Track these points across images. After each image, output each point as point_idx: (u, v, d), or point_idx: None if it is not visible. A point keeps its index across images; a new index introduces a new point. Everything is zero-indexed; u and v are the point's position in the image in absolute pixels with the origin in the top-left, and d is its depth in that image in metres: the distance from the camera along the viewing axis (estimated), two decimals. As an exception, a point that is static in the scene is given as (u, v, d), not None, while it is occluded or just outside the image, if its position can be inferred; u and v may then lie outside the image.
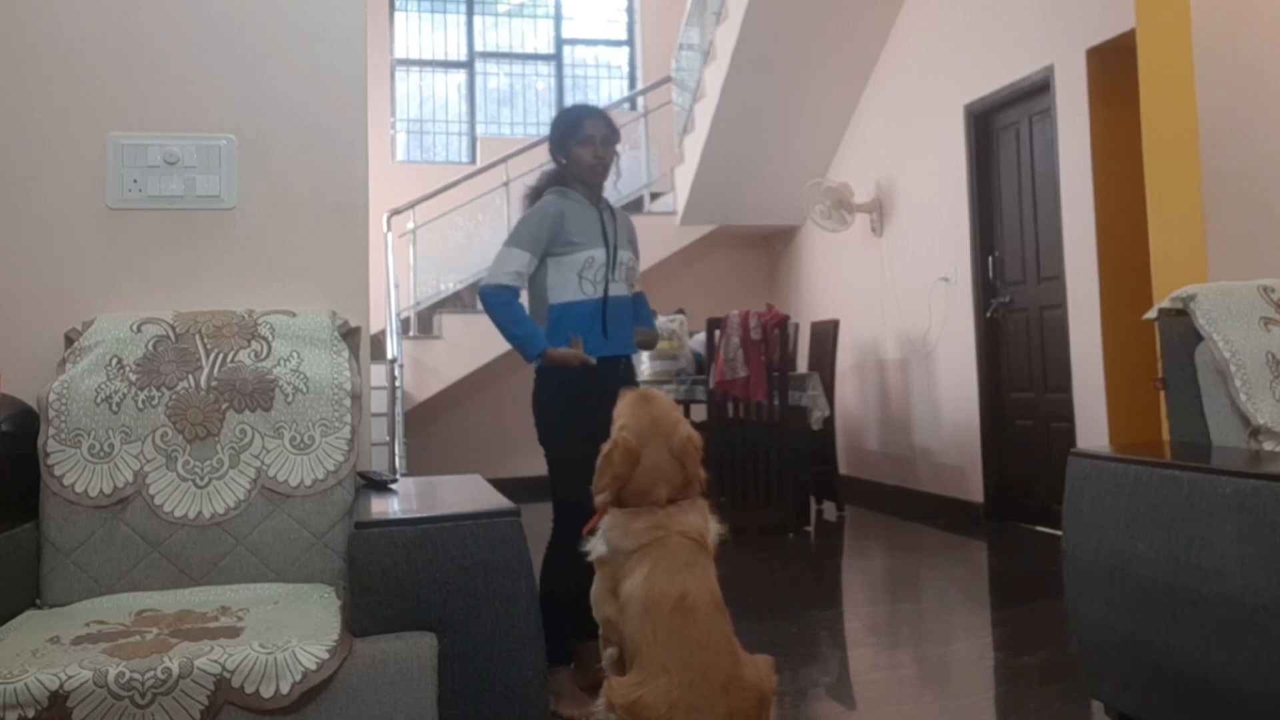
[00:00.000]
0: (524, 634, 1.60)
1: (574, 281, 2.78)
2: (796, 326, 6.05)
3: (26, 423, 1.88)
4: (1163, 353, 2.47)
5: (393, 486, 2.04)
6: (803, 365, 6.64)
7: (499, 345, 6.90)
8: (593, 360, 2.72)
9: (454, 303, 7.58)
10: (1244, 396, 2.21)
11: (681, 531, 2.00)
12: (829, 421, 5.79)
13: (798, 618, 3.64)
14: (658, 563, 1.96)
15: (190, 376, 1.93)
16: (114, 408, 1.88)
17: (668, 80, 7.78)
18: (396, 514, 1.75)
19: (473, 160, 8.21)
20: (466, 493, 1.91)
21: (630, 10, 8.80)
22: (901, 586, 4.18)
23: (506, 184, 7.25)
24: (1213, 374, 2.29)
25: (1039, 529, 5.09)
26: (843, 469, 6.67)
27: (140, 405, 1.89)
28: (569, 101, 8.63)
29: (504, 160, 7.24)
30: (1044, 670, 2.90)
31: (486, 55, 8.57)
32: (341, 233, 2.27)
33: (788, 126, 6.75)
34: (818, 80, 6.49)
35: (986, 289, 5.48)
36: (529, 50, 8.67)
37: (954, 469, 5.72)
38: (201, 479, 1.87)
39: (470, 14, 8.55)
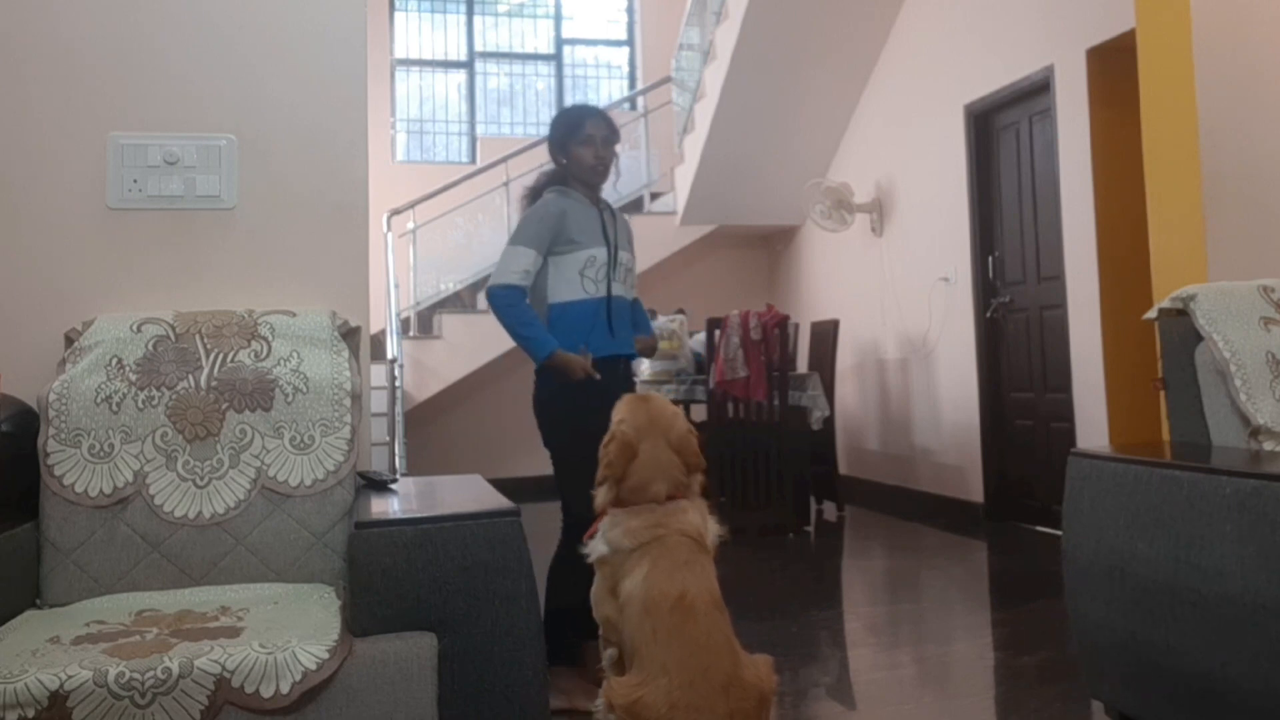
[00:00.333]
0: (524, 634, 1.60)
1: (576, 280, 2.77)
2: (796, 326, 6.06)
3: (26, 423, 1.88)
4: (1163, 353, 2.47)
5: (393, 486, 2.04)
6: (803, 365, 6.64)
7: (499, 345, 6.91)
8: (597, 375, 2.70)
9: (454, 303, 7.58)
10: (1244, 396, 2.21)
11: (681, 530, 2.01)
12: (829, 421, 5.79)
13: (798, 618, 3.64)
14: (657, 562, 1.96)
15: (190, 376, 1.93)
16: (114, 408, 1.88)
17: (668, 80, 7.79)
18: (396, 514, 1.75)
19: (473, 160, 8.21)
20: (466, 493, 1.91)
21: (630, 10, 8.80)
22: (901, 586, 4.18)
23: (506, 184, 7.26)
24: (1213, 374, 2.29)
25: (1039, 529, 5.09)
26: (843, 469, 6.67)
27: (140, 405, 1.89)
28: (569, 102, 8.63)
29: (504, 160, 7.24)
30: (1044, 670, 2.90)
31: (486, 55, 8.57)
32: (341, 233, 2.27)
33: (788, 126, 6.75)
34: (818, 80, 6.49)
35: (986, 289, 5.48)
36: (529, 50, 8.67)
37: (954, 469, 5.72)
38: (201, 479, 1.87)
39: (470, 14, 8.55)
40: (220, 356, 1.96)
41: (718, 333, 5.34)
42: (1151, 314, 2.50)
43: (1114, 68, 4.58)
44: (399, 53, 8.35)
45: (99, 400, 1.88)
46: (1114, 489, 2.11)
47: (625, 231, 2.95)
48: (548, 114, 8.56)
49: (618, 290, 2.83)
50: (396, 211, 6.95)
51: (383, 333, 6.42)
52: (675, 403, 3.09)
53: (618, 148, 2.92)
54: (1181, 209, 3.01)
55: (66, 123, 2.16)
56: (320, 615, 1.60)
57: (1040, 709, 2.58)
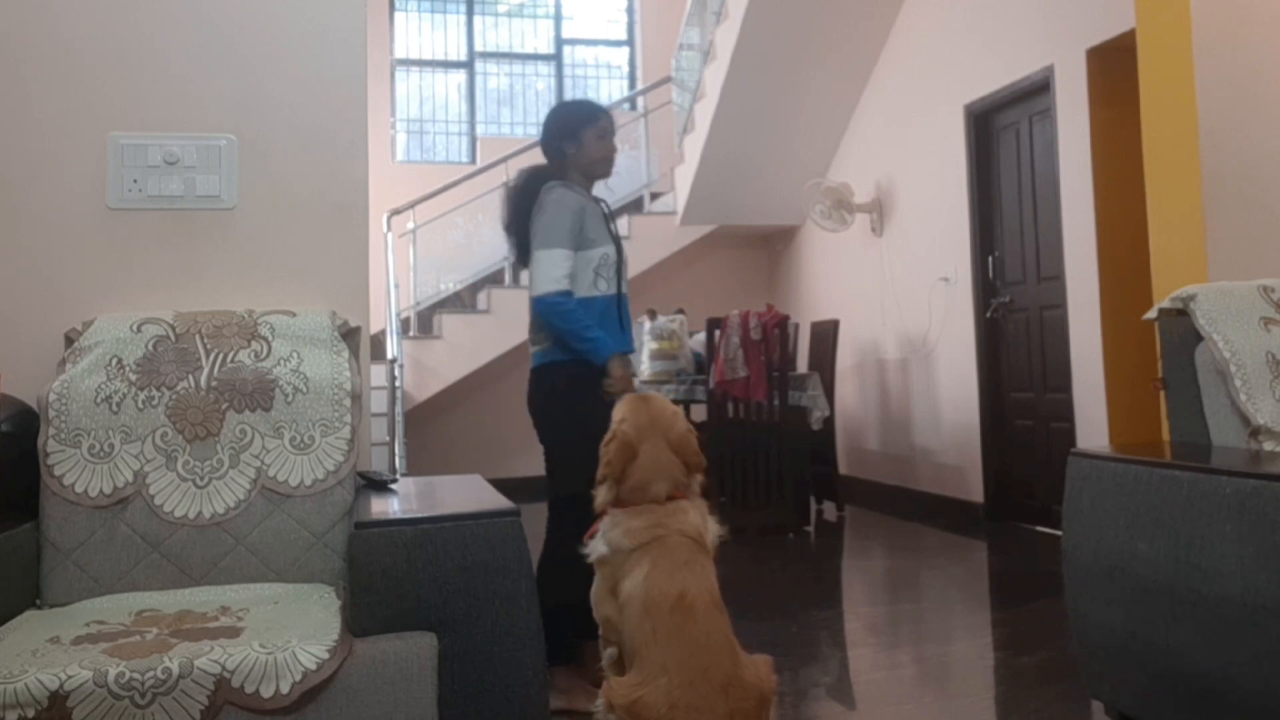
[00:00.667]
0: (524, 634, 1.60)
1: (590, 278, 2.72)
2: (796, 326, 6.06)
3: (26, 423, 1.88)
4: (1163, 353, 2.47)
5: (393, 486, 2.03)
6: (803, 365, 6.64)
7: (499, 345, 6.91)
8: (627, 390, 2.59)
9: (454, 303, 7.59)
10: (1244, 396, 2.21)
11: (680, 530, 2.01)
12: (829, 421, 5.79)
13: (798, 618, 3.64)
14: (657, 562, 1.96)
15: (190, 376, 1.93)
16: (114, 408, 1.88)
17: (668, 80, 7.78)
18: (396, 514, 1.75)
19: (473, 160, 8.21)
20: (466, 493, 1.91)
21: (630, 10, 8.80)
22: (901, 586, 4.18)
23: (506, 184, 7.24)
24: (1213, 374, 2.29)
25: (1039, 529, 5.09)
26: (843, 469, 6.67)
27: (140, 405, 1.89)
28: (569, 101, 8.63)
29: (504, 160, 7.24)
30: (1044, 670, 2.90)
31: (486, 55, 8.57)
32: (341, 233, 2.27)
33: (788, 126, 6.75)
34: (818, 80, 6.49)
35: (986, 289, 5.48)
36: (529, 50, 8.67)
37: (954, 469, 5.72)
38: (201, 479, 1.87)
39: (470, 14, 8.55)
40: (220, 356, 1.96)
41: (718, 333, 5.34)
42: (1151, 314, 2.50)
43: (1114, 68, 4.58)
44: (399, 53, 8.35)
45: (99, 400, 1.88)
46: (1114, 489, 2.11)
47: (617, 228, 2.95)
48: (547, 114, 8.55)
49: (624, 288, 2.83)
50: (396, 211, 6.95)
51: (383, 333, 6.42)
52: (675, 403, 3.09)
53: (591, 131, 2.88)
54: (1181, 209, 3.01)
55: (66, 123, 2.16)
56: (320, 615, 1.60)
57: (1040, 709, 2.58)
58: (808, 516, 5.54)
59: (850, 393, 6.84)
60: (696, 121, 7.07)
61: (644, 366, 5.63)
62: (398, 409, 6.16)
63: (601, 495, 2.12)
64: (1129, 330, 4.53)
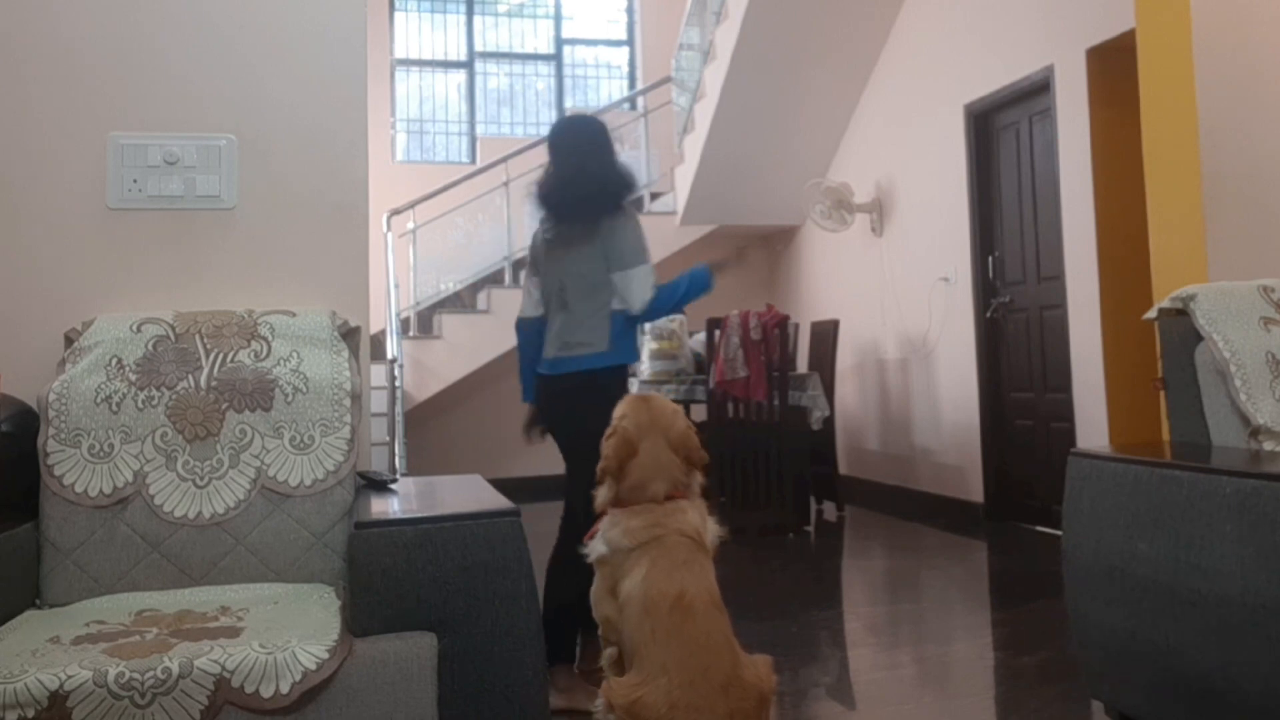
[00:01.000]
0: (524, 634, 1.60)
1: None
2: (796, 326, 6.06)
3: (26, 423, 1.88)
4: (1163, 353, 2.47)
5: (393, 486, 2.03)
6: (803, 365, 6.64)
7: (499, 345, 6.91)
8: None
9: (454, 303, 7.59)
10: (1244, 396, 2.21)
11: (679, 530, 2.01)
12: (829, 421, 5.79)
13: (798, 618, 3.64)
14: (656, 561, 1.96)
15: (190, 376, 1.93)
16: (114, 408, 1.88)
17: (668, 80, 7.78)
18: (396, 514, 1.75)
19: (473, 160, 8.21)
20: (466, 493, 1.91)
21: (630, 10, 8.80)
22: (901, 586, 4.18)
23: (506, 184, 7.26)
24: (1213, 374, 2.29)
25: (1039, 529, 5.09)
26: (843, 469, 6.67)
27: (140, 405, 1.89)
28: (569, 102, 8.64)
29: (504, 160, 7.25)
30: (1044, 670, 2.90)
31: (486, 55, 8.57)
32: (341, 233, 2.27)
33: (788, 126, 6.75)
34: (818, 80, 6.49)
35: (986, 289, 5.48)
36: (529, 50, 8.67)
37: (954, 469, 5.72)
38: (201, 479, 1.87)
39: (470, 14, 8.55)
40: (220, 356, 1.96)
41: (718, 333, 5.34)
42: (1151, 314, 2.50)
43: (1114, 68, 4.58)
44: (399, 53, 8.35)
45: (99, 400, 1.88)
46: (1114, 489, 2.11)
47: None
48: (548, 114, 8.56)
49: None
50: (396, 211, 6.95)
51: (383, 333, 6.42)
52: (675, 403, 3.10)
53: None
54: (1181, 209, 3.01)
55: (66, 123, 2.16)
56: (320, 615, 1.60)
57: (1040, 709, 2.58)
58: (808, 516, 5.54)
59: (850, 393, 6.84)
60: (696, 121, 7.07)
61: (644, 366, 5.63)
62: (398, 409, 6.16)
63: (601, 495, 2.13)
64: (1129, 330, 4.53)
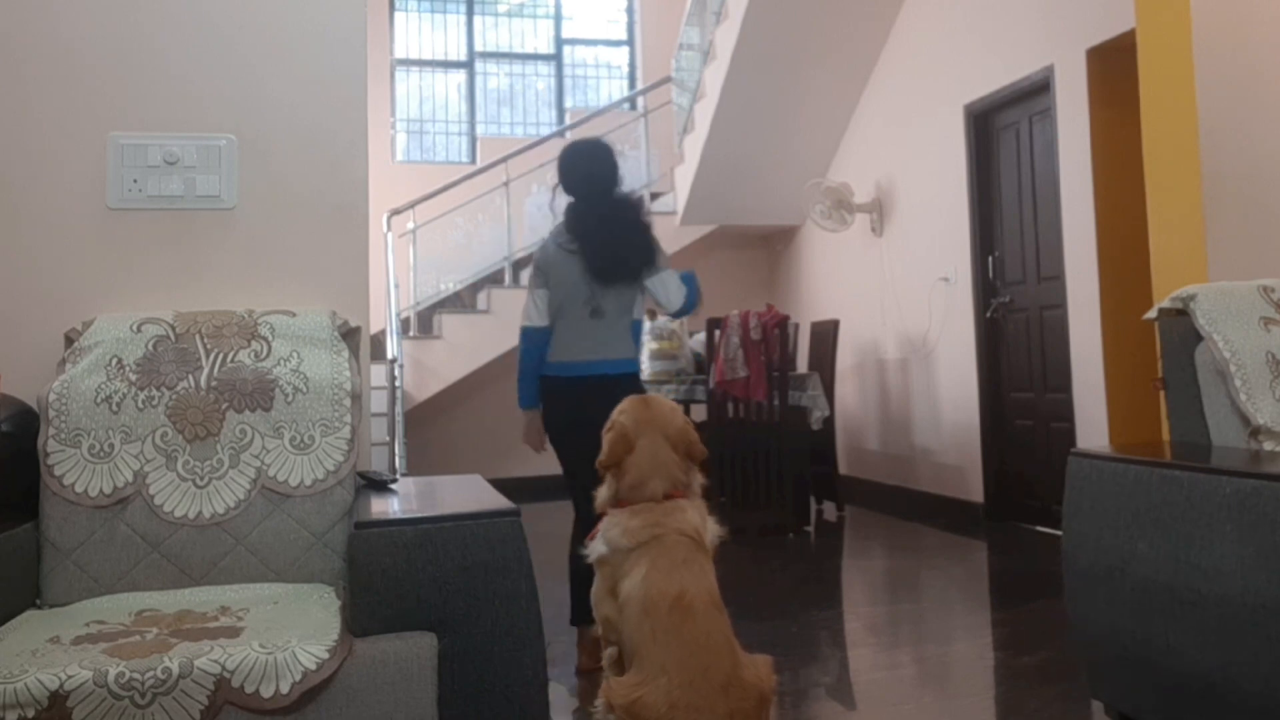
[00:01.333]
0: (524, 634, 1.60)
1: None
2: (796, 326, 6.06)
3: (26, 423, 1.88)
4: (1163, 353, 2.47)
5: (393, 486, 2.03)
6: (803, 365, 6.64)
7: (499, 345, 6.91)
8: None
9: (454, 303, 7.59)
10: (1244, 396, 2.21)
11: (679, 529, 2.01)
12: (829, 421, 5.79)
13: (798, 618, 3.64)
14: (655, 561, 1.96)
15: (190, 376, 1.93)
16: (114, 408, 1.88)
17: (668, 80, 7.78)
18: (396, 514, 1.75)
19: (473, 160, 8.21)
20: (466, 493, 1.91)
21: (630, 10, 8.80)
22: (901, 586, 4.18)
23: (506, 184, 7.25)
24: (1213, 374, 2.29)
25: (1039, 529, 5.09)
26: (843, 469, 6.67)
27: (140, 405, 1.89)
28: (568, 102, 8.64)
29: (504, 160, 7.24)
30: (1044, 670, 2.90)
31: (486, 55, 8.57)
32: (341, 233, 2.27)
33: (788, 126, 6.75)
34: (818, 80, 6.48)
35: (986, 289, 5.48)
36: (529, 50, 8.67)
37: (954, 469, 5.72)
38: (201, 479, 1.87)
39: (470, 14, 8.55)
40: (220, 356, 1.96)
41: (718, 333, 5.34)
42: (1151, 314, 2.50)
43: (1114, 68, 4.58)
44: (399, 53, 8.35)
45: (99, 400, 1.88)
46: (1114, 489, 2.11)
47: None
48: (548, 114, 8.56)
49: None
50: (396, 211, 6.95)
51: (383, 333, 6.42)
52: (675, 403, 3.13)
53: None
54: (1181, 209, 3.01)
55: (66, 123, 2.16)
56: (320, 615, 1.60)
57: (1040, 709, 2.58)
58: (808, 516, 5.54)
59: (850, 393, 6.84)
60: (696, 121, 7.07)
61: (645, 366, 5.63)
62: (398, 409, 6.16)
63: (601, 495, 2.13)
64: (1129, 330, 4.53)
